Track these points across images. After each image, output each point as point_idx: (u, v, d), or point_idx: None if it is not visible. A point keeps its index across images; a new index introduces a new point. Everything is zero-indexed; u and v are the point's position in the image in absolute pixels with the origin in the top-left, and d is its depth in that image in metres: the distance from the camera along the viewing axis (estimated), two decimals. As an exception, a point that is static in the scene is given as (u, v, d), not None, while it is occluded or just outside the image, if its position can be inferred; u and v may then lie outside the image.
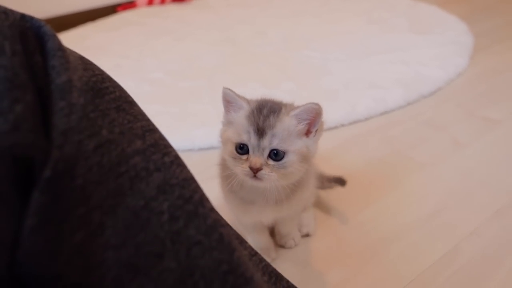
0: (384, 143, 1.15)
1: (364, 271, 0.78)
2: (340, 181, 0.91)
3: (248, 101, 0.64)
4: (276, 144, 0.59)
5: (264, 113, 0.60)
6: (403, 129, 1.20)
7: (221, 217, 0.37)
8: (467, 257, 0.79)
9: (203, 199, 0.35)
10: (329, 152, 1.12)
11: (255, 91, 1.40)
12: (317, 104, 0.60)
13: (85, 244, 0.28)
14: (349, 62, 1.58)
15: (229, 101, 0.64)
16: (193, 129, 1.19)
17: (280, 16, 2.23)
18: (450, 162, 1.05)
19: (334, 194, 0.95)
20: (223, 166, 0.69)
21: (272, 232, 0.86)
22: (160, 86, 1.50)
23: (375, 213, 0.91)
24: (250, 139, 0.60)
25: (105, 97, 0.37)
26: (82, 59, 0.38)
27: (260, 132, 0.59)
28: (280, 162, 0.60)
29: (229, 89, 0.63)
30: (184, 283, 0.29)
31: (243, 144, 0.61)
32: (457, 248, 0.81)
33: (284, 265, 0.80)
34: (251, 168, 0.59)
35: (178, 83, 1.50)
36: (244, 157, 0.61)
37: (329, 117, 1.20)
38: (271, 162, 0.60)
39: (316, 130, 0.64)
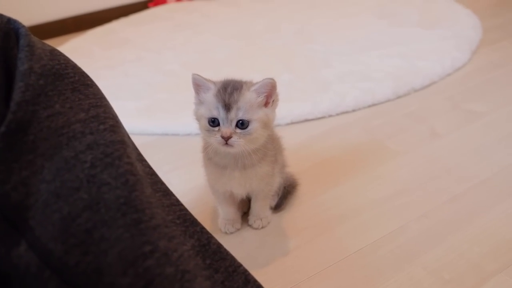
0: (364, 132, 1.23)
1: (315, 241, 0.88)
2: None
3: (214, 83, 0.77)
4: (241, 115, 0.73)
5: (229, 91, 0.73)
6: (385, 120, 1.27)
7: (136, 170, 0.49)
8: (411, 235, 0.87)
9: (122, 156, 0.48)
10: (310, 139, 1.22)
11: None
12: (272, 79, 0.74)
13: (28, 178, 0.42)
14: (350, 56, 1.65)
15: (199, 84, 0.77)
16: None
17: (297, 10, 2.31)
18: (422, 151, 1.12)
19: (304, 175, 1.05)
20: (203, 139, 0.83)
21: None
22: (172, 77, 1.64)
23: (339, 193, 1.00)
24: (219, 114, 0.73)
25: (65, 80, 0.51)
26: (52, 52, 0.53)
27: (227, 107, 0.72)
28: (246, 130, 0.73)
29: (197, 74, 0.76)
30: (91, 208, 0.42)
31: (214, 118, 0.74)
32: (405, 227, 0.89)
33: (246, 233, 0.92)
34: (222, 137, 0.73)
35: (188, 73, 1.64)
36: (216, 128, 0.74)
37: (318, 108, 1.31)
38: (238, 130, 0.73)
39: (273, 101, 0.78)
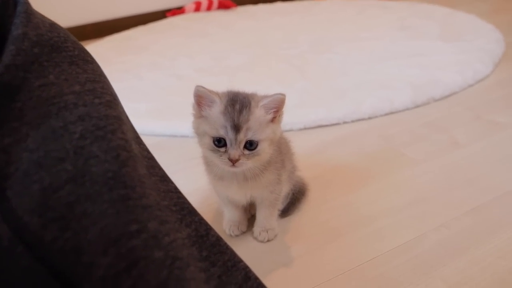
0: (381, 140, 1.17)
1: (325, 248, 0.82)
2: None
3: (219, 96, 0.70)
4: (250, 136, 0.67)
5: (237, 108, 0.67)
6: (403, 129, 1.21)
7: (129, 147, 0.45)
8: (429, 246, 0.80)
9: (116, 131, 0.44)
10: (323, 145, 1.17)
11: (268, 88, 1.48)
12: (283, 95, 0.69)
13: (10, 146, 0.38)
14: (368, 65, 1.61)
15: (202, 96, 0.69)
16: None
17: (315, 22, 2.29)
18: (442, 160, 1.06)
19: (315, 181, 1.00)
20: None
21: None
22: (185, 81, 1.63)
23: (352, 200, 0.95)
24: (227, 134, 0.67)
25: (63, 53, 0.48)
26: (52, 25, 0.50)
27: (237, 128, 0.66)
28: (255, 151, 0.68)
29: (202, 86, 0.69)
30: (75, 180, 0.38)
31: (221, 138, 0.68)
32: (422, 237, 0.82)
33: (252, 237, 0.87)
34: (230, 159, 0.67)
35: (202, 78, 1.62)
36: (222, 149, 0.68)
37: (332, 114, 1.26)
38: (246, 152, 0.68)
39: (279, 116, 0.72)
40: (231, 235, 0.87)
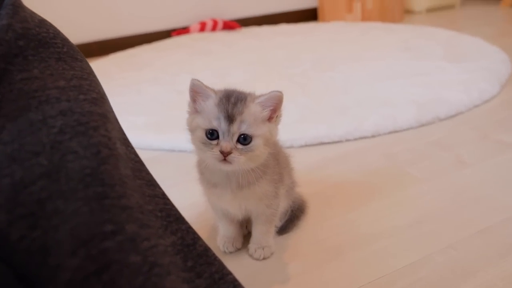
0: (384, 158, 1.13)
1: (323, 268, 0.77)
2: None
3: (215, 91, 0.68)
4: (244, 129, 0.64)
5: (232, 101, 0.65)
6: (407, 147, 1.18)
7: (113, 145, 0.42)
8: (435, 268, 0.75)
9: (99, 128, 0.41)
10: (324, 162, 1.13)
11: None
12: (279, 92, 0.66)
13: None
14: (370, 84, 1.59)
15: (197, 91, 0.68)
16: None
17: (318, 42, 2.29)
18: (448, 179, 1.01)
19: (315, 197, 0.96)
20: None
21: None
22: (186, 96, 1.60)
23: (353, 218, 0.90)
24: (220, 125, 0.64)
25: (50, 49, 0.46)
26: (42, 21, 0.49)
27: (230, 118, 0.64)
28: (248, 146, 0.65)
29: (197, 80, 0.68)
30: (49, 175, 0.35)
31: (213, 130, 0.65)
32: (428, 258, 0.77)
33: (247, 254, 0.82)
34: (221, 152, 0.63)
35: (202, 94, 1.60)
36: (214, 142, 0.65)
37: (334, 131, 1.23)
38: (239, 146, 0.64)
39: (277, 116, 0.69)
40: (225, 252, 0.82)
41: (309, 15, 3.23)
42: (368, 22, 2.75)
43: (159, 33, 2.78)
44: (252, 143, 0.65)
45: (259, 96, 0.68)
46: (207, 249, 0.48)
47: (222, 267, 0.47)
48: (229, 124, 0.64)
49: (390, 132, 1.26)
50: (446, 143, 1.18)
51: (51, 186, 0.35)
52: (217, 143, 0.65)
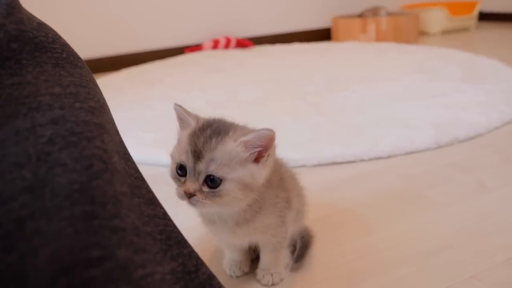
0: (401, 180, 1.08)
1: (337, 297, 0.72)
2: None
3: (197, 119, 0.61)
4: (212, 169, 0.55)
5: (206, 134, 0.57)
6: (425, 169, 1.12)
7: (108, 159, 0.38)
8: (459, 300, 0.69)
9: (94, 139, 0.38)
10: (338, 183, 1.08)
11: (282, 123, 1.42)
12: (271, 130, 0.56)
13: None
14: (386, 104, 1.54)
15: (180, 117, 0.62)
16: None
17: (332, 62, 2.27)
18: (469, 204, 0.95)
19: (327, 222, 0.91)
20: None
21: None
22: (196, 112, 1.58)
23: (368, 244, 0.85)
24: (188, 161, 0.56)
25: (48, 53, 0.43)
26: (41, 24, 0.46)
27: (197, 155, 0.55)
28: (215, 190, 0.56)
29: (179, 106, 0.61)
30: (32, 191, 0.31)
31: (181, 165, 0.57)
32: (450, 290, 0.71)
33: (256, 279, 0.77)
34: (184, 191, 0.56)
35: (214, 110, 1.57)
36: (183, 179, 0.57)
37: (349, 151, 1.19)
38: (205, 188, 0.56)
39: (268, 155, 0.60)
40: (231, 276, 0.78)
41: (323, 34, 3.22)
42: (382, 42, 2.72)
43: (172, 49, 2.79)
44: (221, 187, 0.55)
45: (247, 133, 0.58)
46: (211, 277, 0.43)
47: None
48: (195, 161, 0.55)
49: (407, 153, 1.21)
50: (466, 166, 1.13)
51: (33, 203, 0.31)
52: (184, 181, 0.57)
